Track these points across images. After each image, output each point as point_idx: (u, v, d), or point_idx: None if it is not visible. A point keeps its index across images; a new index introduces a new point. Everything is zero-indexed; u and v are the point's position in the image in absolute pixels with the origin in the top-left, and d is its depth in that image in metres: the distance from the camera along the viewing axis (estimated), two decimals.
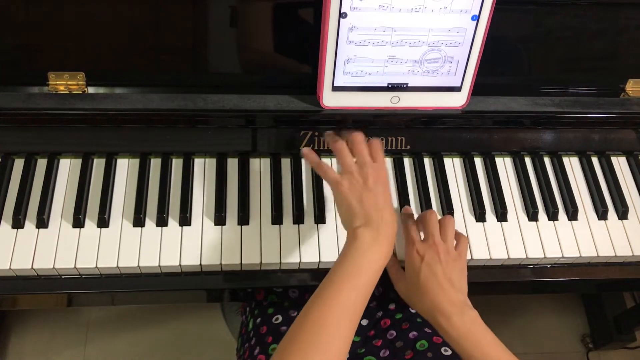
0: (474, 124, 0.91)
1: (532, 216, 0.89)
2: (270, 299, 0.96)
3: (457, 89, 0.86)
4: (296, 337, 0.64)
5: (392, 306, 0.94)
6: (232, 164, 0.89)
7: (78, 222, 0.82)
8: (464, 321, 0.71)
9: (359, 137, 0.78)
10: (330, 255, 0.83)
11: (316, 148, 0.89)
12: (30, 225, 0.82)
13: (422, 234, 0.81)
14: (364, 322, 0.93)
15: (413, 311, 0.92)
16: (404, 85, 0.85)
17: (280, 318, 0.93)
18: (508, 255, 0.86)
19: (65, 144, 0.87)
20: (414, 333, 0.88)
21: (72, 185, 0.85)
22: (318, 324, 0.64)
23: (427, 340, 0.87)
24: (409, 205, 0.88)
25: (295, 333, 0.64)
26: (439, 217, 0.86)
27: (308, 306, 0.67)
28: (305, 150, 0.81)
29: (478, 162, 0.94)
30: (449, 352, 0.84)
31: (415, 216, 0.87)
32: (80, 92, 0.85)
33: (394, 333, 0.90)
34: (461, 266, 0.78)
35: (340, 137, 0.80)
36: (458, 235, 0.81)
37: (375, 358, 0.87)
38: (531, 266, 0.89)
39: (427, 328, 0.88)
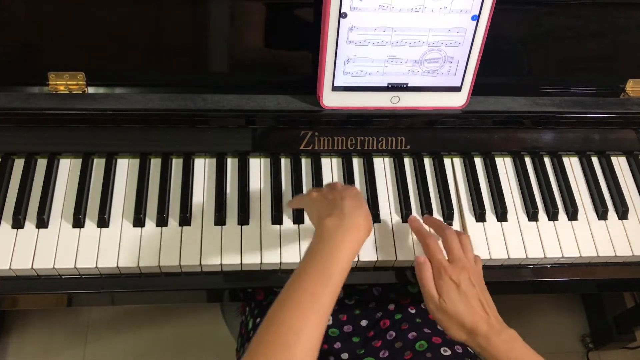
0: (474, 124, 0.91)
1: (532, 216, 0.89)
2: (270, 299, 0.96)
3: (457, 89, 0.86)
4: (263, 337, 0.63)
5: (391, 307, 0.94)
6: (232, 164, 0.89)
7: (78, 222, 0.82)
8: (503, 340, 0.72)
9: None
10: None
11: (316, 148, 0.89)
12: (30, 225, 0.82)
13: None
14: (364, 323, 0.93)
15: (412, 311, 0.92)
16: (404, 85, 0.85)
17: None
18: (508, 255, 0.86)
19: (65, 144, 0.87)
20: (414, 333, 0.88)
21: (72, 185, 0.85)
22: (285, 325, 0.63)
23: (426, 340, 0.87)
24: (410, 204, 0.88)
25: (262, 333, 0.63)
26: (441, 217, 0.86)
27: (275, 304, 0.65)
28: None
29: (478, 162, 0.94)
30: (449, 353, 0.84)
31: (414, 214, 0.87)
32: (80, 92, 0.85)
33: (394, 334, 0.90)
34: (484, 284, 0.78)
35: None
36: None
37: (375, 359, 0.87)
38: (531, 266, 0.89)
39: (427, 328, 0.88)
